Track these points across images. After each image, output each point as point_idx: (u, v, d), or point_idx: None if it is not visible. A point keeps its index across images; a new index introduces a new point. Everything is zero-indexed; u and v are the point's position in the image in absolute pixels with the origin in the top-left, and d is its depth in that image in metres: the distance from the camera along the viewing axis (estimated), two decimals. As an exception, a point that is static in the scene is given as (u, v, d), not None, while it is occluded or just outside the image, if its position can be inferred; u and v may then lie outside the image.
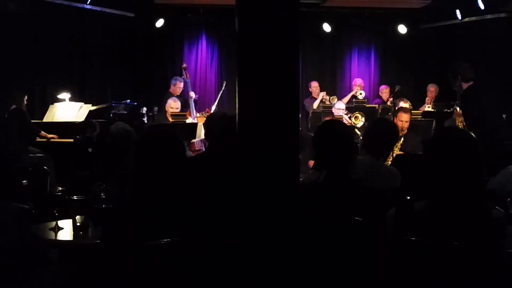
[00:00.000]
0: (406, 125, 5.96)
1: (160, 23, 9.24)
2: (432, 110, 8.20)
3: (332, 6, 9.31)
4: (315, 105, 8.92)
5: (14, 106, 6.54)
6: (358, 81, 9.37)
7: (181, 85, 7.99)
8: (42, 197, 4.37)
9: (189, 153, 6.51)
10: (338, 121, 3.24)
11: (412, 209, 2.13)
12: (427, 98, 8.82)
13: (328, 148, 2.72)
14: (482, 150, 2.12)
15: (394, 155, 5.25)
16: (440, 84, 8.88)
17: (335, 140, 2.72)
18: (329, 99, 9.03)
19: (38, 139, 6.80)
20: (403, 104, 7.56)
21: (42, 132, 6.85)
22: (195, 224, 2.22)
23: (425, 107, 8.54)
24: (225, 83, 8.72)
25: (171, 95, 7.71)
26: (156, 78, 9.54)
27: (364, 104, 8.33)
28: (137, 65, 9.43)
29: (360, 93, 9.00)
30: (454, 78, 5.40)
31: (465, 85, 5.35)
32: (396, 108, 7.03)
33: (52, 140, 6.90)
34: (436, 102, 8.64)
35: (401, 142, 5.71)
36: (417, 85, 9.87)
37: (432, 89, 8.86)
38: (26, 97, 6.82)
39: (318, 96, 9.02)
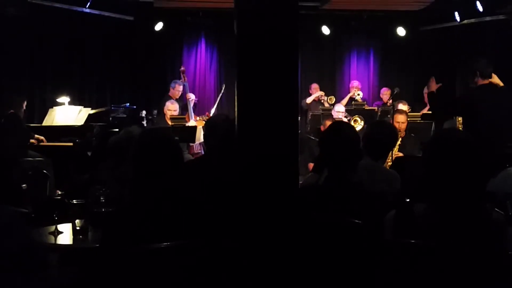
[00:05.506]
0: (403, 126, 6.03)
1: (159, 26, 9.24)
2: (431, 112, 8.19)
3: (331, 9, 9.32)
4: (309, 100, 8.97)
5: (11, 111, 6.54)
6: (355, 83, 9.42)
7: (180, 88, 8.00)
8: (41, 201, 4.35)
9: (188, 156, 6.51)
10: (348, 124, 3.23)
11: (412, 212, 2.13)
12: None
13: (334, 150, 2.70)
14: (483, 152, 2.12)
15: (393, 157, 5.26)
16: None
17: (343, 143, 2.71)
18: (327, 99, 9.06)
19: (32, 142, 6.79)
20: (402, 106, 7.58)
21: (36, 135, 6.84)
22: (195, 227, 2.22)
23: (427, 109, 8.53)
24: (224, 86, 8.72)
25: (170, 98, 7.72)
26: (156, 82, 9.54)
27: (363, 107, 8.35)
28: (136, 69, 9.43)
29: (358, 94, 9.03)
30: (472, 74, 5.14)
31: (481, 81, 5.10)
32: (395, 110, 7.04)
33: (48, 144, 6.87)
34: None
35: (399, 143, 5.73)
36: (416, 87, 9.87)
37: (427, 91, 8.83)
38: (25, 102, 6.82)
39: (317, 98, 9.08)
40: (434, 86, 5.14)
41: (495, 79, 5.13)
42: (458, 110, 5.48)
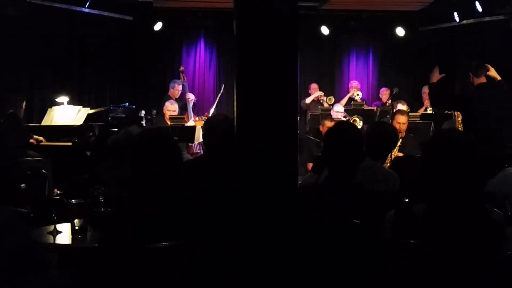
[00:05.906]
0: (404, 127, 6.02)
1: (158, 26, 9.24)
2: (431, 112, 8.19)
3: (330, 9, 9.32)
4: (308, 100, 8.98)
5: (11, 111, 6.54)
6: (354, 83, 9.43)
7: (180, 87, 8.01)
8: (40, 201, 4.35)
9: (187, 156, 6.51)
10: (354, 125, 3.22)
11: (411, 212, 2.13)
12: (426, 101, 8.82)
13: (338, 150, 2.69)
14: (481, 152, 2.12)
15: (392, 157, 5.26)
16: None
17: (348, 144, 2.70)
18: (327, 99, 9.07)
19: (31, 142, 6.78)
20: (401, 106, 7.58)
21: (35, 136, 6.84)
22: (194, 227, 2.22)
23: (423, 109, 8.53)
24: (223, 86, 8.72)
25: (169, 98, 7.73)
26: (155, 81, 9.54)
27: (363, 107, 8.35)
28: (135, 69, 9.44)
29: (357, 94, 9.04)
30: (466, 76, 5.20)
31: (477, 81, 5.14)
32: (394, 110, 7.06)
33: (47, 143, 6.87)
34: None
35: (399, 143, 5.73)
36: (416, 87, 9.87)
37: (426, 91, 8.85)
38: (24, 102, 6.82)
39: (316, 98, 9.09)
40: (437, 76, 5.14)
41: (492, 72, 5.16)
42: (457, 104, 5.51)
